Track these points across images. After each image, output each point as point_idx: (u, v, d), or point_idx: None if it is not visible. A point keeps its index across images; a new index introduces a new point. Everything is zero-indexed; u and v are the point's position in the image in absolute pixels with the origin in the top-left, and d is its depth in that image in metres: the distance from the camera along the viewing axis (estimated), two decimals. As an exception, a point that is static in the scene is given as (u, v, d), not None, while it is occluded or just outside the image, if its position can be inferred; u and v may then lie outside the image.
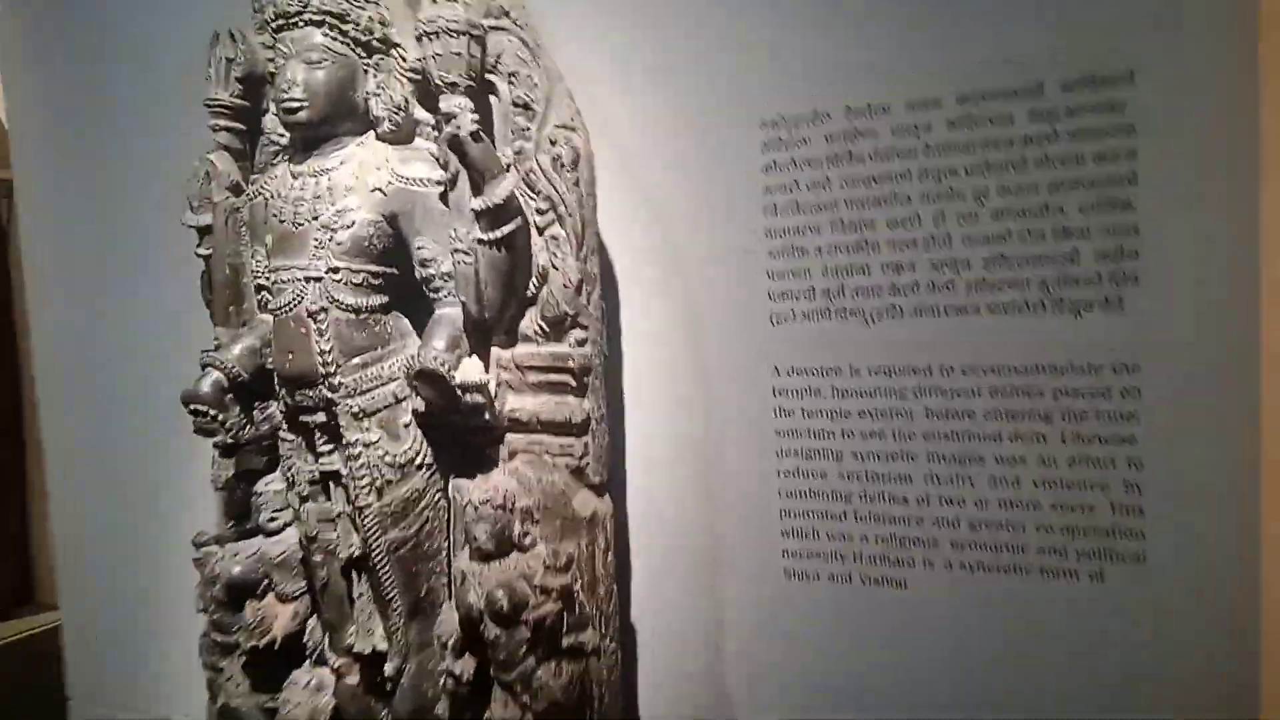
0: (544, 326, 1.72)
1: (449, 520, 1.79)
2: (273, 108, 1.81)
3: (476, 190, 1.63)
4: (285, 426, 1.80)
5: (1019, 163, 1.52)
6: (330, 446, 1.76)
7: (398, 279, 1.75)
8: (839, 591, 1.73)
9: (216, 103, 1.85)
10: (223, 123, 1.87)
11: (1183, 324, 1.45)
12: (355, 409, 1.71)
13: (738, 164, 1.71)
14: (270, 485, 1.93)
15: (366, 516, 1.73)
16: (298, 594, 1.95)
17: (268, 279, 1.75)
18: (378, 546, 1.74)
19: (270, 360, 1.78)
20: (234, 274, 1.89)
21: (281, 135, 1.84)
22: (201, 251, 1.92)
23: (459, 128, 1.58)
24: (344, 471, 1.75)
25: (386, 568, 1.76)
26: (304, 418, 1.75)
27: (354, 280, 1.71)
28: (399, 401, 1.74)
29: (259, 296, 1.86)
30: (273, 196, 1.76)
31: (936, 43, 1.55)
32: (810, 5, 1.63)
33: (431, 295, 1.73)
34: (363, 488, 1.72)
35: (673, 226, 1.77)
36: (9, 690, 2.82)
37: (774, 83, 1.67)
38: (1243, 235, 1.41)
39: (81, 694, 2.67)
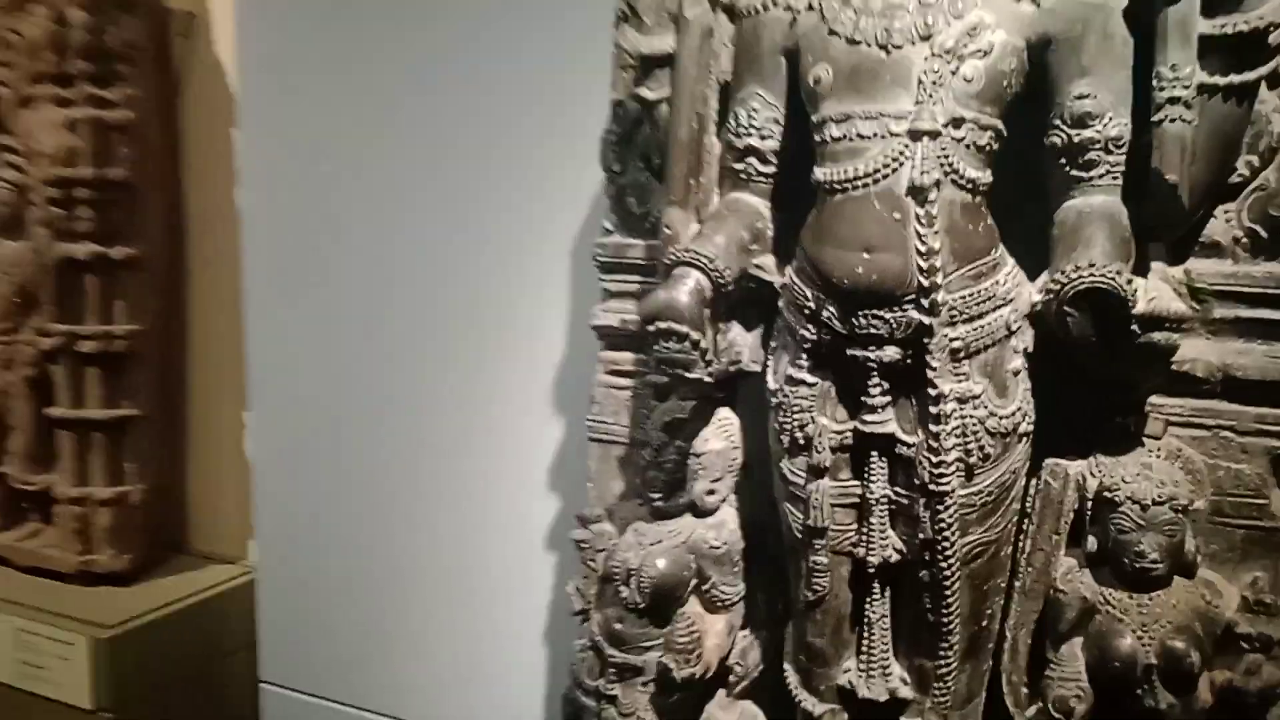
0: (1259, 231, 1.11)
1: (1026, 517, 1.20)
2: None
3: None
4: (806, 362, 1.18)
5: None
6: (888, 399, 1.15)
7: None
8: None
9: None
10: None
11: None
12: (956, 343, 1.10)
13: None
14: (709, 445, 1.32)
15: (942, 507, 1.13)
16: (733, 601, 1.36)
17: (831, 132, 1.11)
18: (949, 553, 1.15)
19: (807, 261, 1.15)
20: (698, 130, 1.26)
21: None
22: (650, 95, 1.29)
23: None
24: (912, 439, 1.14)
25: (953, 584, 1.16)
26: (859, 351, 1.13)
27: (979, 140, 1.09)
28: (1010, 335, 1.13)
29: (740, 166, 1.23)
30: (825, 4, 1.13)
31: None
32: None
33: (1076, 174, 1.10)
34: (949, 464, 1.12)
35: None
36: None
37: None
38: None
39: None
